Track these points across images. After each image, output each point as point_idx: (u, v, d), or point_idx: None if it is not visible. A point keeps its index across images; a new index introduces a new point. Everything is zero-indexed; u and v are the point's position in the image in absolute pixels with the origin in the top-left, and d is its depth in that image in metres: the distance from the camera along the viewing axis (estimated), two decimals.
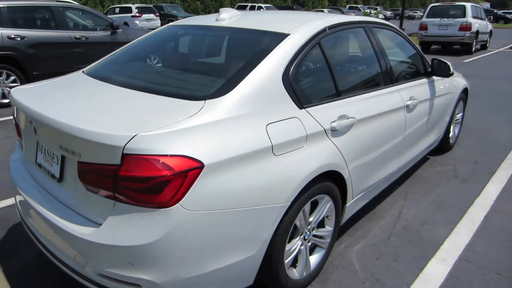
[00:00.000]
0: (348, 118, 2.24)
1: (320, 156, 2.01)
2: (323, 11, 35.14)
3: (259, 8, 30.07)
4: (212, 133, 1.63)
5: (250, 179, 1.69)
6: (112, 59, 2.55)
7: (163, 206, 1.49)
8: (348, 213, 2.53)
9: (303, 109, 2.01)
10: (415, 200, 3.27)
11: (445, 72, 3.32)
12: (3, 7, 6.02)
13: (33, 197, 1.89)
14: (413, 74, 3.28)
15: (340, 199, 2.32)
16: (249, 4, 31.10)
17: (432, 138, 3.64)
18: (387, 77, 2.76)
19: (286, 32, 2.17)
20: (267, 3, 34.95)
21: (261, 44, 2.13)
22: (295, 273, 2.15)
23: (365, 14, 17.21)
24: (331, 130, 2.11)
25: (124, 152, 1.47)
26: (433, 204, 3.21)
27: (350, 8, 40.86)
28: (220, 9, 2.63)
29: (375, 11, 18.06)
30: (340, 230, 2.78)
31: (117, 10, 22.55)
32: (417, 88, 3.11)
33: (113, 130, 1.52)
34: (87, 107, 1.82)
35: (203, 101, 1.75)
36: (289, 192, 1.82)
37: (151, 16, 21.93)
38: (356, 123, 2.29)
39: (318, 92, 2.21)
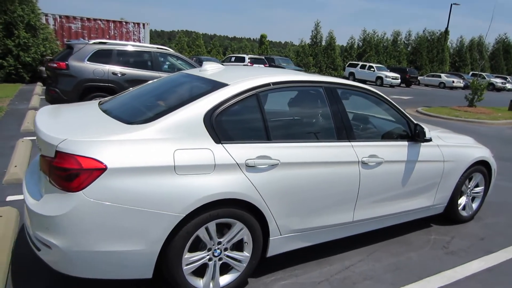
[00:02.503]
0: (271, 159, 2.60)
1: (226, 184, 2.41)
2: (440, 76, 33.61)
3: (370, 67, 30.32)
4: (125, 147, 2.21)
5: (149, 187, 2.21)
6: (121, 94, 3.37)
7: (72, 191, 2.11)
8: (276, 248, 2.79)
9: (220, 144, 2.47)
10: (377, 258, 3.27)
11: (421, 137, 3.36)
12: (114, 49, 7.76)
13: (27, 180, 2.66)
14: (386, 135, 3.41)
15: (259, 230, 2.64)
16: (360, 63, 31.61)
17: (417, 203, 3.59)
18: (340, 133, 3.01)
19: (228, 83, 2.70)
20: (380, 63, 34.99)
21: (205, 90, 2.68)
22: (199, 283, 2.51)
23: (473, 83, 16.13)
24: (246, 165, 2.50)
25: (56, 149, 2.15)
26: (394, 265, 3.18)
27: (473, 75, 38.14)
28: (204, 61, 3.29)
29: (485, 80, 16.84)
30: (278, 264, 3.01)
31: (233, 59, 25.37)
32: (387, 149, 3.23)
33: (56, 135, 2.23)
34: (63, 122, 2.60)
35: (132, 125, 2.37)
36: (184, 206, 2.27)
37: (261, 66, 24.06)
38: (280, 165, 2.63)
39: (243, 133, 2.63)
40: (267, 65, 24.35)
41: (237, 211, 2.50)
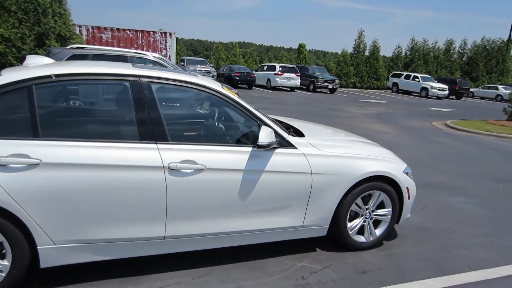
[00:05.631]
0: (29, 158, 2.31)
1: None
2: (497, 88, 30.55)
3: (414, 78, 28.47)
4: None
5: None
6: None
7: None
8: (52, 259, 2.48)
9: None
10: (201, 283, 2.79)
11: (254, 141, 2.82)
12: (89, 54, 7.92)
13: None
14: (221, 138, 2.95)
15: (21, 238, 2.35)
16: (405, 73, 29.84)
17: (276, 223, 3.05)
18: (145, 133, 2.62)
19: (1, 73, 2.47)
20: (429, 74, 32.72)
21: None
22: None
23: None
24: None
25: None
26: None
27: None
28: (27, 55, 3.09)
29: None
30: (73, 279, 2.68)
31: (265, 67, 25.20)
32: (214, 154, 2.76)
33: None
34: None
35: None
36: None
37: (292, 75, 23.65)
38: (43, 165, 2.33)
39: (1, 128, 2.36)
40: (299, 74, 23.89)
41: None
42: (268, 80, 24.03)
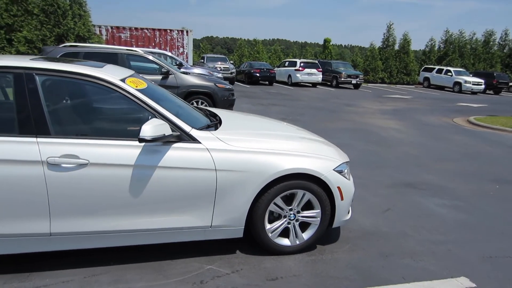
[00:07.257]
0: None
1: None
2: None
3: (447, 72, 26.96)
4: None
5: None
6: None
7: None
8: None
9: None
10: (87, 283, 2.65)
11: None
12: (81, 52, 8.05)
13: None
14: (107, 131, 2.85)
15: None
16: (437, 67, 28.35)
17: (178, 222, 2.86)
18: (25, 127, 2.55)
19: None
20: (465, 67, 30.87)
21: None
22: None
23: None
24: None
25: None
26: None
27: None
28: None
29: None
30: None
31: (286, 63, 24.82)
32: (100, 148, 2.62)
33: None
34: None
35: None
36: None
37: (313, 71, 23.13)
38: None
39: None
40: (320, 69, 23.34)
41: None
42: (289, 76, 23.65)
